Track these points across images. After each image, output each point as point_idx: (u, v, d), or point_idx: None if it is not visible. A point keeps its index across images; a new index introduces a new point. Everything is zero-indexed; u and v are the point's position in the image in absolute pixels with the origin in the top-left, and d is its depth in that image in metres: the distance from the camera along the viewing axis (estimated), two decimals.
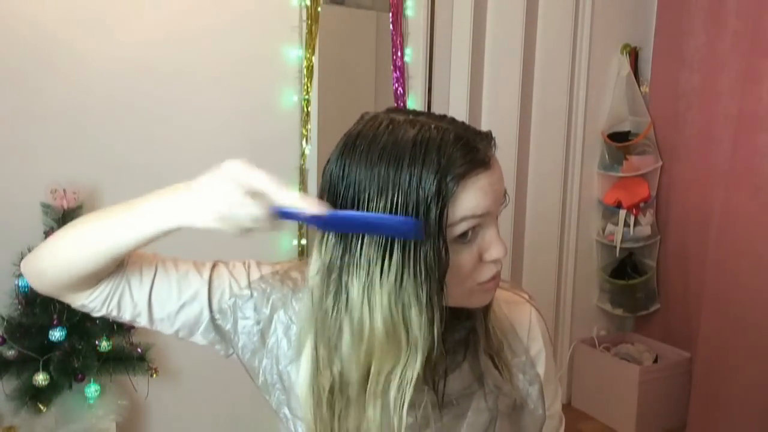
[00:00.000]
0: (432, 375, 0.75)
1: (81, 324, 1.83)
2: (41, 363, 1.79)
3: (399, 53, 2.47)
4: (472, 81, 2.68)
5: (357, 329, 0.69)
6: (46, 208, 1.84)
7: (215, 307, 0.79)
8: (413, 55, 2.52)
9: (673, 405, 2.86)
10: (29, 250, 0.80)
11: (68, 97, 1.95)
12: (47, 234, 1.79)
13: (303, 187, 2.29)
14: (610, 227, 3.08)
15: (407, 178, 0.66)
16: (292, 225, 2.31)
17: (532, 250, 2.97)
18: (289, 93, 2.26)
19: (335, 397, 0.73)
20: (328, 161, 0.71)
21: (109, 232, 0.70)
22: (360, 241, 0.67)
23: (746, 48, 2.55)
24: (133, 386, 2.02)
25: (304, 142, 2.28)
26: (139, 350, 1.95)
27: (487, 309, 0.79)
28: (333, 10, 2.73)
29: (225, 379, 2.12)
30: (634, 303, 3.10)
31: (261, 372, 0.82)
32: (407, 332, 0.68)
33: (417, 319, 0.67)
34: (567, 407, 3.07)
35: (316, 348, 0.73)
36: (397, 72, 2.48)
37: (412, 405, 0.74)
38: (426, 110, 2.55)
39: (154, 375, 1.97)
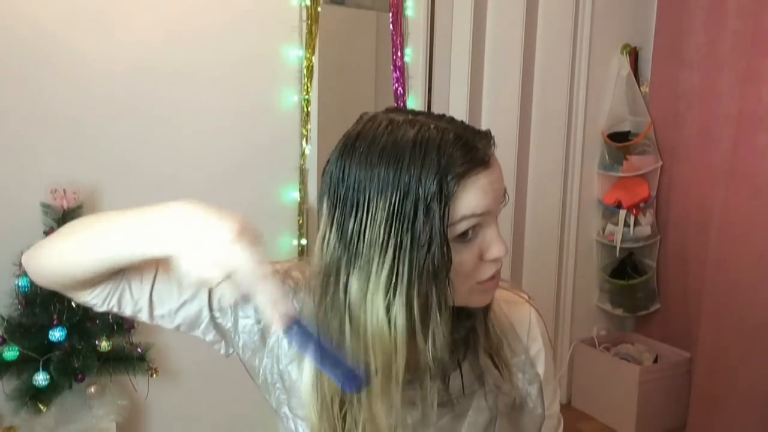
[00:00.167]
0: (443, 373, 0.75)
1: (81, 324, 1.83)
2: (41, 363, 1.79)
3: (399, 53, 2.47)
4: (472, 81, 2.68)
5: (357, 329, 0.69)
6: (46, 208, 1.84)
7: (215, 305, 0.79)
8: (413, 55, 2.52)
9: (673, 405, 2.86)
10: None
11: (68, 97, 1.95)
12: (47, 234, 1.79)
13: (303, 187, 2.29)
14: (610, 227, 3.08)
15: (407, 179, 0.66)
16: (292, 226, 2.31)
17: (532, 250, 2.97)
18: (289, 93, 2.26)
19: (339, 397, 0.73)
20: (327, 162, 0.72)
21: (111, 247, 0.70)
22: (361, 242, 0.67)
23: (746, 48, 2.55)
24: (133, 386, 2.02)
25: (304, 142, 2.28)
26: (139, 350, 1.95)
27: (486, 308, 0.79)
28: (333, 10, 2.73)
29: (225, 379, 2.12)
30: (634, 303, 3.10)
31: (261, 371, 0.82)
32: (413, 331, 0.68)
33: (421, 319, 0.68)
34: (567, 407, 3.07)
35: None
36: (397, 72, 2.48)
37: (414, 404, 0.74)
38: (426, 110, 2.55)
39: (154, 375, 1.97)
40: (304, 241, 2.31)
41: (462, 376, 0.79)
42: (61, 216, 1.82)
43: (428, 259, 0.66)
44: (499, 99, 2.76)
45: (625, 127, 3.04)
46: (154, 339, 1.99)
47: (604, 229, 3.12)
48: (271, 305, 0.64)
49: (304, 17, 2.23)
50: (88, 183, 1.95)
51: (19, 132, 1.91)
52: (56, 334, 1.78)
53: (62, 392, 1.84)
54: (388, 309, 0.67)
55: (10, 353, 1.77)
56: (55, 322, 1.78)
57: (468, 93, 2.67)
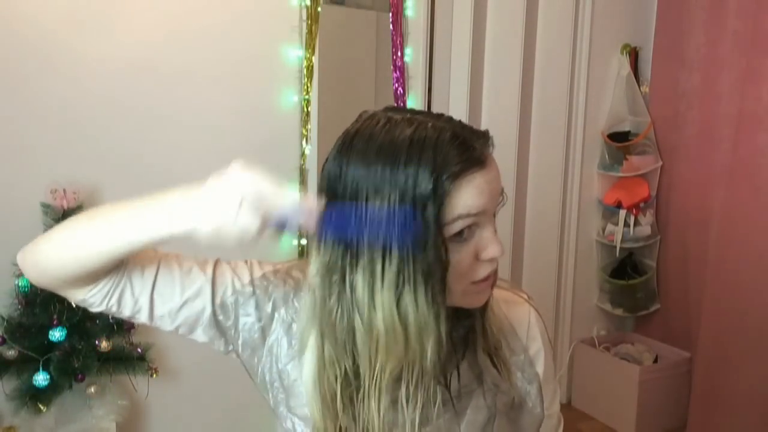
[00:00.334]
0: (443, 372, 0.75)
1: (81, 324, 1.83)
2: (41, 363, 1.79)
3: (399, 53, 2.47)
4: (472, 81, 2.68)
5: (367, 328, 0.69)
6: (46, 208, 1.84)
7: (218, 303, 0.79)
8: (413, 55, 2.52)
9: (673, 405, 2.86)
10: None
11: (68, 97, 1.95)
12: None
13: (303, 187, 2.29)
14: (610, 227, 3.08)
15: (403, 177, 0.66)
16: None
17: (532, 250, 2.97)
18: (289, 93, 2.26)
19: (343, 394, 0.73)
20: (326, 159, 0.72)
21: (114, 234, 0.70)
22: (361, 241, 0.67)
23: (746, 48, 2.55)
24: (133, 386, 2.02)
25: (304, 142, 2.28)
26: (139, 350, 1.95)
27: (484, 308, 0.79)
28: (333, 10, 2.74)
29: (225, 379, 2.12)
30: (634, 303, 3.10)
31: (260, 370, 0.82)
32: (413, 330, 0.68)
33: (421, 318, 0.68)
34: (567, 407, 3.07)
35: (321, 347, 0.74)
36: (397, 72, 2.49)
37: (414, 402, 0.74)
38: (426, 110, 2.56)
39: (154, 375, 1.97)
40: (304, 241, 2.31)
41: (461, 374, 0.79)
42: (61, 216, 1.82)
43: (426, 257, 0.66)
44: (499, 99, 2.76)
45: (625, 127, 3.04)
46: (154, 339, 1.99)
47: (604, 229, 3.12)
48: (299, 207, 0.65)
49: (304, 17, 2.23)
50: (88, 183, 1.95)
51: (19, 132, 1.91)
52: (56, 334, 1.78)
53: (62, 392, 1.84)
54: (398, 306, 0.68)
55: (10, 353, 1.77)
56: (55, 322, 1.78)
57: (468, 93, 2.67)
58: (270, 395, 0.83)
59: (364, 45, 3.03)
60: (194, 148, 2.14)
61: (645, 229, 3.00)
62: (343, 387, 0.73)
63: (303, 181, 2.29)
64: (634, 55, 3.05)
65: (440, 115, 0.72)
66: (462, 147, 0.67)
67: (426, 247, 0.66)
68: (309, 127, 2.28)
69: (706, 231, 2.72)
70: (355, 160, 0.68)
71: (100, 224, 0.71)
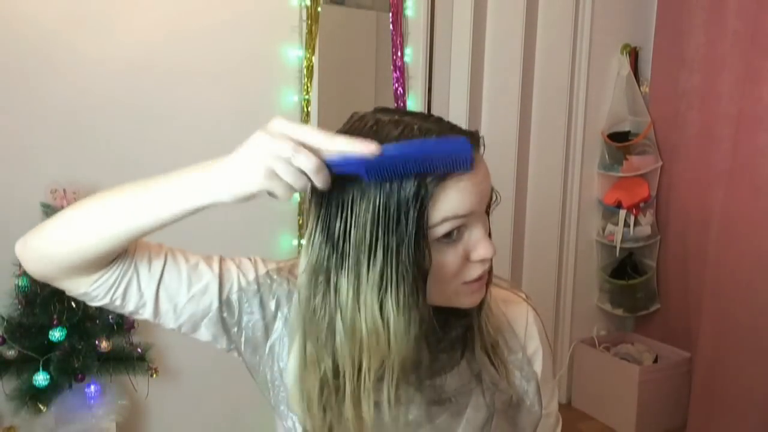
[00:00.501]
0: (429, 373, 0.75)
1: (81, 324, 1.83)
2: (41, 363, 1.79)
3: (399, 53, 2.47)
4: (472, 81, 2.68)
5: (349, 328, 0.70)
6: (46, 208, 1.84)
7: (224, 300, 0.78)
8: (413, 55, 2.52)
9: (673, 405, 2.86)
10: None
11: (68, 97, 1.95)
12: None
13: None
14: (610, 227, 3.08)
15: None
16: (292, 226, 2.31)
17: (532, 250, 2.97)
18: (289, 93, 2.26)
19: (324, 394, 0.74)
20: None
21: (130, 210, 0.67)
22: (347, 243, 0.68)
23: (746, 48, 2.55)
24: (133, 386, 2.02)
25: None
26: (139, 350, 1.95)
27: (480, 306, 0.79)
28: (333, 10, 2.73)
29: (225, 379, 2.12)
30: (634, 303, 3.10)
31: (261, 368, 0.82)
32: (396, 332, 0.68)
33: (398, 319, 0.68)
34: (567, 407, 3.07)
35: (304, 346, 0.74)
36: (397, 72, 2.48)
37: (411, 402, 0.74)
38: (426, 111, 2.56)
39: (154, 375, 1.97)
40: (304, 241, 2.30)
41: (460, 373, 0.79)
42: None
43: (410, 260, 0.67)
44: (499, 99, 2.76)
45: (625, 127, 3.04)
46: (154, 339, 1.99)
47: (604, 229, 3.12)
48: (353, 145, 0.63)
49: (304, 17, 2.23)
50: (88, 183, 1.94)
51: (19, 132, 1.91)
52: (56, 334, 1.77)
53: (62, 392, 1.84)
54: (381, 308, 0.68)
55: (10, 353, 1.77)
56: (55, 322, 1.78)
57: (468, 93, 2.67)
58: (271, 394, 0.83)
59: (364, 45, 3.03)
60: (194, 148, 2.14)
61: (645, 229, 3.00)
62: (323, 386, 0.73)
63: None
64: (634, 55, 3.05)
65: (429, 116, 0.72)
66: None
67: (410, 249, 0.66)
68: None
69: (706, 231, 2.72)
70: None
71: (111, 203, 0.68)
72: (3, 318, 1.81)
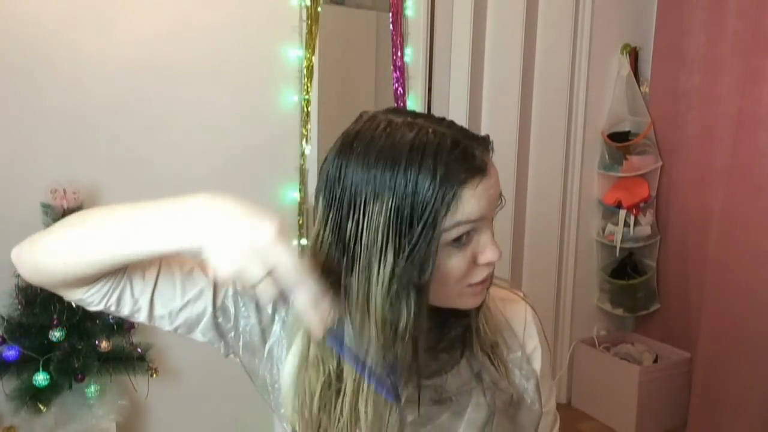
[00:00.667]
0: (439, 371, 0.76)
1: (81, 324, 1.83)
2: (41, 363, 1.79)
3: (399, 53, 2.47)
4: (472, 81, 2.68)
5: (358, 330, 0.69)
6: (46, 208, 1.84)
7: (218, 305, 0.78)
8: (413, 55, 2.52)
9: (673, 405, 2.86)
10: None
11: (68, 96, 1.95)
12: None
13: (303, 187, 2.29)
14: (610, 227, 3.08)
15: (403, 183, 0.66)
16: (292, 226, 2.31)
17: (532, 250, 2.97)
18: (289, 93, 2.26)
19: (323, 394, 0.74)
20: (325, 159, 0.72)
21: (119, 242, 0.66)
22: (358, 245, 0.68)
23: (746, 48, 2.55)
24: (133, 386, 2.02)
25: (304, 142, 2.28)
26: (139, 350, 1.95)
27: (479, 306, 0.79)
28: (333, 10, 2.73)
29: (225, 379, 2.12)
30: (634, 303, 3.10)
31: (260, 372, 0.82)
32: (403, 334, 0.69)
33: (406, 321, 0.68)
34: (567, 407, 3.07)
35: (307, 346, 0.74)
36: (397, 72, 2.48)
37: (412, 402, 0.74)
38: (426, 111, 2.56)
39: (154, 375, 1.97)
40: (304, 242, 2.31)
41: (460, 373, 0.80)
42: (61, 216, 1.82)
43: (421, 264, 0.67)
44: (499, 99, 2.76)
45: (625, 127, 3.04)
46: (154, 339, 1.99)
47: (604, 229, 3.12)
48: (312, 306, 0.62)
49: (304, 17, 2.23)
50: (88, 183, 1.95)
51: (20, 132, 1.91)
52: (56, 334, 1.78)
53: (62, 392, 1.84)
54: (390, 311, 0.68)
55: (10, 353, 1.77)
56: (55, 322, 1.78)
57: (468, 93, 2.67)
58: (271, 397, 0.82)
59: (364, 45, 3.03)
60: (194, 147, 2.15)
61: (645, 229, 3.00)
62: (324, 388, 0.73)
63: (303, 181, 2.29)
64: (634, 55, 3.05)
65: (442, 120, 0.71)
66: (462, 155, 0.67)
67: (421, 253, 0.66)
68: (309, 127, 2.28)
69: (706, 231, 2.72)
70: (354, 162, 0.68)
71: (101, 233, 0.67)
72: (3, 318, 1.81)
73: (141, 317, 0.76)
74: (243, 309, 0.79)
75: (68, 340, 1.81)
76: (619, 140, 3.00)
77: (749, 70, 2.53)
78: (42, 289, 1.81)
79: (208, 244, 0.61)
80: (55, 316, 1.78)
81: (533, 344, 0.87)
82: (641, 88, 3.04)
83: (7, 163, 1.90)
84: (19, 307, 1.81)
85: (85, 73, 1.96)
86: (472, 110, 2.69)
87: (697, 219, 2.79)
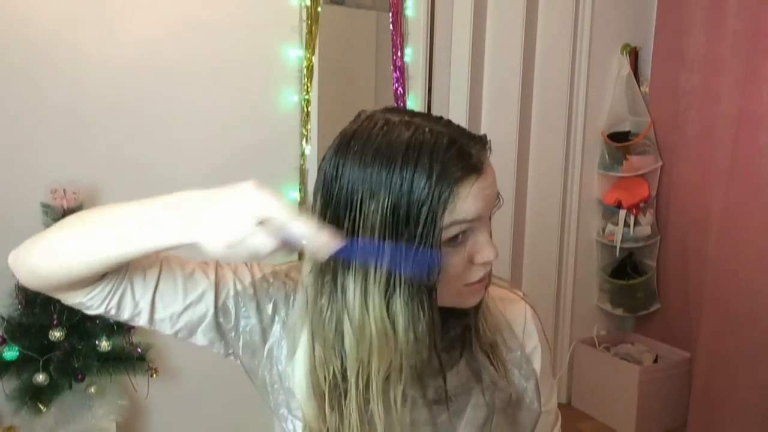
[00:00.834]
0: (437, 372, 0.75)
1: (81, 324, 1.83)
2: (41, 363, 1.79)
3: (399, 53, 2.47)
4: (472, 81, 2.68)
5: (357, 329, 0.70)
6: (46, 208, 1.84)
7: (220, 306, 0.78)
8: (413, 55, 2.52)
9: (673, 405, 2.86)
10: None
11: (68, 96, 1.95)
12: None
13: (303, 187, 2.29)
14: (610, 227, 3.08)
15: (399, 182, 0.66)
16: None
17: (532, 250, 2.97)
18: (289, 93, 2.26)
19: (333, 394, 0.74)
20: (323, 158, 0.72)
21: (115, 239, 0.66)
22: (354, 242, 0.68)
23: (746, 48, 2.55)
24: (133, 386, 2.02)
25: (304, 142, 2.28)
26: (139, 350, 1.95)
27: (478, 306, 0.79)
28: (333, 10, 2.73)
29: (225, 379, 2.12)
30: (634, 303, 3.10)
31: (260, 372, 0.82)
32: (403, 333, 0.69)
33: (405, 320, 0.68)
34: (567, 407, 3.07)
35: (312, 347, 0.74)
36: (397, 72, 2.48)
37: (413, 401, 0.74)
38: (426, 110, 2.56)
39: (154, 375, 1.97)
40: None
41: (459, 372, 0.80)
42: (61, 216, 1.82)
43: (418, 262, 0.67)
44: (499, 99, 2.76)
45: (625, 127, 3.04)
46: (154, 339, 1.99)
47: (604, 229, 3.12)
48: (316, 233, 0.61)
49: (304, 17, 2.23)
50: (88, 183, 1.95)
51: (20, 131, 1.91)
52: (56, 334, 1.78)
53: (62, 392, 1.84)
54: (388, 309, 0.68)
55: (10, 353, 1.77)
56: (55, 322, 1.78)
57: (468, 93, 2.67)
58: (271, 397, 0.82)
59: (364, 45, 3.03)
60: (194, 147, 2.15)
61: (645, 229, 3.00)
62: (332, 388, 0.74)
63: (303, 181, 2.29)
64: (634, 55, 3.05)
65: (439, 119, 0.71)
66: (459, 154, 0.67)
67: (418, 251, 0.66)
68: (309, 127, 2.28)
69: (706, 231, 2.72)
70: (351, 161, 0.68)
71: (99, 231, 0.67)
72: (3, 318, 1.81)
73: (142, 320, 0.76)
74: (244, 309, 0.79)
75: (68, 340, 1.81)
76: (619, 140, 3.00)
77: (749, 70, 2.53)
78: None
79: (200, 231, 0.61)
80: (55, 316, 1.78)
81: (533, 344, 0.87)
82: (641, 88, 3.04)
83: (7, 163, 1.90)
84: (19, 307, 1.81)
85: (85, 73, 1.96)
86: (472, 110, 2.69)
87: (697, 219, 2.79)
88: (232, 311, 0.79)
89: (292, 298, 0.80)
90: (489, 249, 0.71)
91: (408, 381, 0.72)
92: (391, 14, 2.46)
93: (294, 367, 0.77)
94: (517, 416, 0.84)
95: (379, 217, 0.66)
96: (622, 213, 2.98)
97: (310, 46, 2.23)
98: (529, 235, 2.96)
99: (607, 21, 2.97)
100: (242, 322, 0.80)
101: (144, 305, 0.75)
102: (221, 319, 0.79)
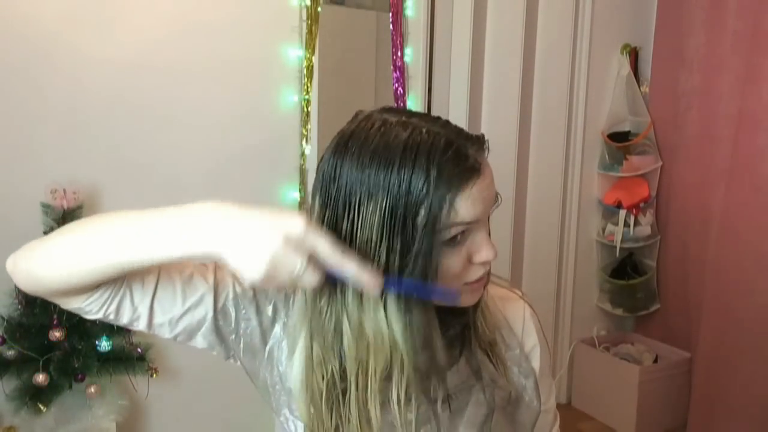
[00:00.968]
0: (437, 371, 0.75)
1: (81, 324, 1.83)
2: (41, 363, 1.79)
3: (399, 53, 2.47)
4: (472, 81, 2.68)
5: (356, 330, 0.70)
6: (46, 208, 1.84)
7: (219, 309, 0.78)
8: (413, 55, 2.52)
9: (673, 405, 2.86)
10: None
11: (68, 96, 1.95)
12: (47, 234, 1.79)
13: (303, 187, 2.29)
14: (610, 227, 3.08)
15: (397, 183, 0.66)
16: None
17: (532, 250, 2.97)
18: (289, 93, 2.26)
19: (331, 394, 0.74)
20: (322, 158, 0.72)
21: (122, 249, 0.65)
22: (353, 243, 0.68)
23: (746, 48, 2.55)
24: (133, 386, 2.02)
25: (304, 142, 2.28)
26: (139, 350, 1.95)
27: (477, 304, 0.80)
28: (333, 10, 2.73)
29: (225, 380, 2.12)
30: (634, 303, 3.10)
31: (261, 373, 0.82)
32: (401, 334, 0.69)
33: (402, 320, 0.68)
34: (567, 407, 3.07)
35: (310, 347, 0.74)
36: (397, 72, 2.48)
37: (413, 400, 0.74)
38: (426, 111, 2.56)
39: (154, 375, 1.98)
40: None
41: (459, 370, 0.80)
42: (61, 216, 1.82)
43: (417, 263, 0.67)
44: (499, 99, 2.76)
45: (625, 127, 3.04)
46: (153, 339, 1.99)
47: (604, 229, 3.12)
48: (361, 273, 0.63)
49: (304, 17, 2.23)
50: (88, 183, 1.94)
51: (20, 131, 1.91)
52: (56, 334, 1.78)
53: (62, 392, 1.84)
54: (385, 310, 0.68)
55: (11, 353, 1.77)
56: (55, 322, 1.78)
57: (468, 93, 2.67)
58: (272, 398, 0.82)
59: (364, 45, 3.02)
60: (194, 147, 2.15)
61: (645, 229, 3.00)
62: (330, 388, 0.74)
63: (303, 181, 2.29)
64: (634, 55, 3.05)
65: (437, 119, 0.71)
66: (456, 155, 0.67)
67: (416, 252, 0.67)
68: (309, 127, 2.28)
69: (706, 231, 2.72)
70: (349, 162, 0.68)
71: (104, 239, 0.66)
72: (3, 318, 1.81)
73: (140, 325, 0.76)
74: (243, 311, 0.79)
75: (68, 340, 1.81)
76: (619, 140, 3.00)
77: (749, 70, 2.53)
78: None
79: (229, 250, 0.60)
80: (55, 316, 1.78)
81: (532, 342, 0.87)
82: (641, 88, 3.04)
83: (7, 163, 1.90)
84: (19, 307, 1.81)
85: (85, 73, 1.96)
86: (472, 110, 2.69)
87: (697, 219, 2.79)
88: (232, 314, 0.79)
89: (291, 299, 0.80)
90: (488, 248, 0.72)
91: (408, 380, 0.72)
92: (391, 14, 2.46)
93: (293, 366, 0.77)
94: (517, 414, 0.84)
95: (377, 218, 0.66)
96: (622, 213, 2.98)
97: (310, 46, 2.23)
98: (529, 235, 2.96)
99: (607, 21, 2.96)
100: (242, 325, 0.80)
101: (143, 310, 0.75)
102: (221, 322, 0.79)
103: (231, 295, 0.79)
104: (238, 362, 0.82)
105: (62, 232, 0.69)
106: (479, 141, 0.71)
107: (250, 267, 0.60)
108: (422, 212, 0.66)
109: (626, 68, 3.00)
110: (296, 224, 0.61)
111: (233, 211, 0.62)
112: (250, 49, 2.19)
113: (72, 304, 0.73)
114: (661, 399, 2.84)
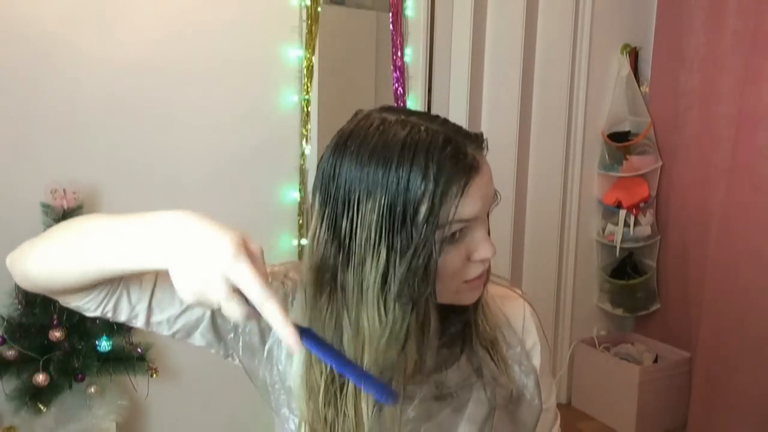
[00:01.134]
0: (439, 367, 0.76)
1: (81, 324, 1.83)
2: (41, 363, 1.79)
3: (399, 53, 2.47)
4: (472, 81, 2.68)
5: (354, 326, 0.70)
6: (46, 208, 1.84)
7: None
8: (413, 55, 2.52)
9: (673, 405, 2.86)
10: None
11: (68, 96, 1.95)
12: None
13: (303, 187, 2.29)
14: (610, 227, 3.08)
15: (395, 181, 0.66)
16: (292, 226, 2.31)
17: (532, 250, 2.97)
18: (289, 93, 2.26)
19: (329, 391, 0.74)
20: (321, 157, 0.72)
21: (98, 256, 0.64)
22: (353, 242, 0.68)
23: (746, 48, 2.55)
24: (133, 386, 2.02)
25: (304, 142, 2.28)
26: (139, 350, 1.95)
27: (477, 302, 0.80)
28: (333, 10, 2.73)
29: (225, 379, 2.12)
30: (634, 303, 3.10)
31: (261, 373, 0.82)
32: (399, 331, 0.69)
33: (401, 318, 0.68)
34: (567, 407, 3.07)
35: None
36: (397, 72, 2.48)
37: (413, 398, 0.75)
38: (426, 110, 2.56)
39: (154, 375, 1.98)
40: (304, 242, 2.31)
41: (460, 368, 0.80)
42: (61, 216, 1.82)
43: (417, 260, 0.67)
44: (499, 99, 2.76)
45: (625, 127, 3.04)
46: (154, 339, 1.99)
47: (604, 229, 3.12)
48: (280, 322, 0.57)
49: (304, 17, 2.23)
50: (88, 183, 1.95)
51: (20, 131, 1.91)
52: (56, 334, 1.78)
53: (62, 392, 1.84)
54: (384, 307, 0.68)
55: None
56: (55, 322, 1.78)
57: (468, 93, 2.67)
58: (272, 397, 0.83)
59: (364, 45, 3.02)
60: (194, 147, 2.15)
61: (645, 229, 3.00)
62: (328, 383, 0.74)
63: (303, 181, 2.29)
64: (634, 55, 3.05)
65: (435, 117, 0.72)
66: (455, 153, 0.67)
67: (415, 250, 0.67)
68: (309, 127, 2.28)
69: (706, 231, 2.72)
70: (348, 161, 0.68)
71: (81, 246, 0.65)
72: (3, 318, 1.81)
73: (139, 323, 0.76)
74: None
75: (68, 340, 1.81)
76: (619, 140, 3.00)
77: (749, 70, 2.53)
78: None
79: (172, 267, 0.58)
80: (55, 316, 1.78)
81: (532, 340, 0.87)
82: (641, 88, 3.04)
83: (7, 163, 1.90)
84: (19, 307, 1.81)
85: (85, 73, 1.96)
86: (472, 110, 2.69)
87: (697, 219, 2.79)
88: None
89: (291, 297, 0.80)
90: (487, 246, 0.72)
91: (408, 377, 0.72)
92: (391, 14, 2.46)
93: (292, 362, 0.78)
94: (518, 413, 0.84)
95: (375, 216, 0.67)
96: (622, 213, 2.98)
97: (310, 46, 2.23)
98: (529, 235, 2.96)
99: (607, 21, 2.97)
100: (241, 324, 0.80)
101: (141, 309, 0.75)
102: (219, 321, 0.79)
103: None
104: (237, 361, 0.82)
105: (57, 228, 0.69)
106: (478, 139, 0.71)
107: (182, 287, 0.58)
108: (421, 210, 0.66)
109: (626, 68, 3.01)
110: (225, 252, 0.56)
111: (190, 225, 0.58)
112: (250, 49, 2.19)
113: (71, 303, 0.74)
114: (661, 399, 2.84)
